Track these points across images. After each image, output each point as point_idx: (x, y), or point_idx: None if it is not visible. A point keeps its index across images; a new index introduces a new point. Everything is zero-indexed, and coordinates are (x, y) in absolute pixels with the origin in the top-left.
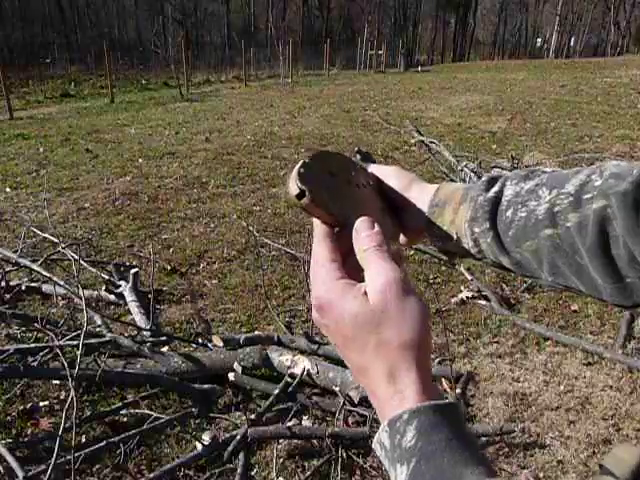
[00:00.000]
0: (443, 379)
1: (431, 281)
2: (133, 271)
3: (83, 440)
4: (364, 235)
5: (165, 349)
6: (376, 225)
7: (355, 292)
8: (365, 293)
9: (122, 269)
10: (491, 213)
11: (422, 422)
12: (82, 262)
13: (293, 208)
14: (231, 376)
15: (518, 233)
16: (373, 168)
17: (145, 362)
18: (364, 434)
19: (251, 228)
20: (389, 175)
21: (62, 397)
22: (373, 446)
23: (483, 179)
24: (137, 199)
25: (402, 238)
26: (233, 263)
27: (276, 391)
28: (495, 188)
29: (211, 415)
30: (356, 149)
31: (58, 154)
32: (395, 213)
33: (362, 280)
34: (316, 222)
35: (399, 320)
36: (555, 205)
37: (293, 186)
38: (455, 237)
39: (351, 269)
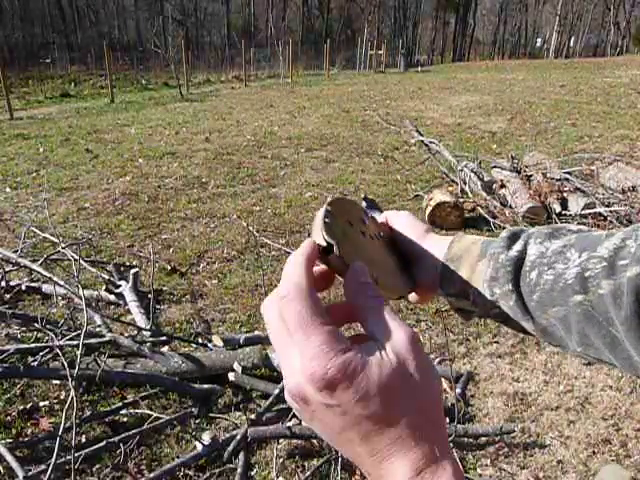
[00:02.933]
0: (443, 379)
1: None
2: (133, 271)
3: (83, 440)
4: (368, 285)
5: (165, 349)
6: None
7: (377, 350)
8: (384, 350)
9: (122, 269)
10: (514, 274)
11: None
12: (82, 262)
13: (293, 208)
14: (231, 376)
15: (544, 297)
16: (385, 216)
17: (145, 362)
18: None
19: (251, 228)
20: (403, 224)
21: (62, 397)
22: None
23: (503, 234)
24: (137, 199)
25: (413, 296)
26: (233, 263)
27: (276, 391)
28: (518, 247)
29: (211, 415)
30: (363, 196)
31: (58, 154)
32: (407, 267)
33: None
34: (298, 256)
35: (427, 383)
36: (587, 270)
37: (319, 238)
38: (472, 297)
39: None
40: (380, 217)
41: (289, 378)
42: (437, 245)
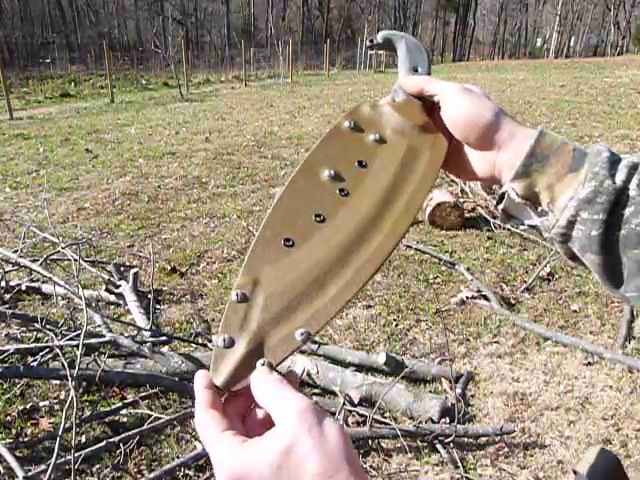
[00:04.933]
0: (443, 379)
1: (431, 281)
2: (133, 271)
3: (83, 440)
4: (258, 378)
5: (165, 349)
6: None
7: (264, 445)
8: (275, 440)
9: (122, 269)
10: (613, 205)
11: None
12: (82, 262)
13: None
14: None
15: (631, 237)
16: (416, 85)
17: (145, 362)
18: (364, 434)
19: (251, 228)
20: (458, 124)
21: (62, 397)
22: None
23: (604, 153)
24: (137, 199)
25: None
26: (233, 263)
27: None
28: (621, 175)
29: None
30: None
31: (58, 154)
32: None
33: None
34: (198, 391)
35: (321, 449)
36: None
37: (215, 379)
38: (547, 208)
39: (258, 425)
40: (409, 84)
41: None
42: (515, 137)
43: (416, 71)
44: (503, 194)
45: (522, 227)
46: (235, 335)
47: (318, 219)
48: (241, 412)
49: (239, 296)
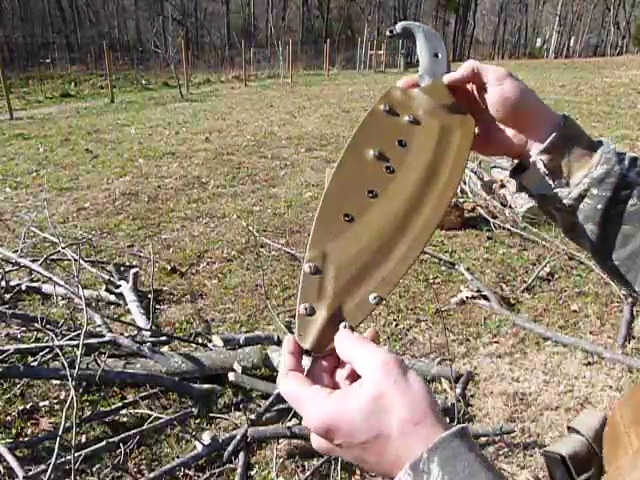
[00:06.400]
0: (443, 379)
1: (431, 281)
2: (133, 271)
3: (83, 440)
4: (342, 338)
5: (165, 349)
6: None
7: (352, 393)
8: (362, 387)
9: (122, 269)
10: (619, 186)
11: (442, 455)
12: (82, 262)
13: (293, 208)
14: (231, 376)
15: (625, 215)
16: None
17: (145, 362)
18: None
19: (251, 228)
20: (497, 100)
21: (62, 397)
22: None
23: (612, 145)
24: (137, 199)
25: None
26: (233, 263)
27: (276, 391)
28: (626, 165)
29: (211, 415)
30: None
31: (58, 154)
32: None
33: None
34: (284, 356)
35: (408, 398)
36: None
37: (301, 343)
38: (563, 180)
39: (345, 383)
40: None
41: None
42: (541, 115)
43: (436, 56)
44: (521, 166)
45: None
46: (314, 303)
47: (371, 195)
48: (328, 373)
49: (312, 268)
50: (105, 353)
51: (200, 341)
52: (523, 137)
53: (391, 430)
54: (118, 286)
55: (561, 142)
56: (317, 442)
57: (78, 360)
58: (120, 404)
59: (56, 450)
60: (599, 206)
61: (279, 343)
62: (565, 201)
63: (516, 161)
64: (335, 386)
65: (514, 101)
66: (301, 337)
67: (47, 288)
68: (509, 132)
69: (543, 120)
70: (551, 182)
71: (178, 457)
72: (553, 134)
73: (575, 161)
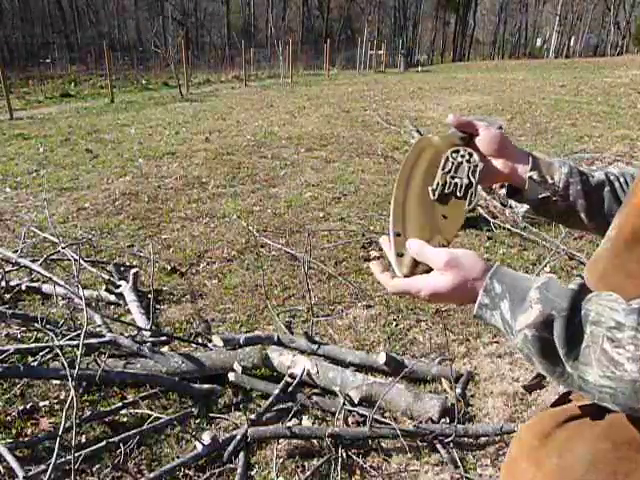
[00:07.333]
0: (443, 379)
1: None
2: (133, 271)
3: (83, 440)
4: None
5: (165, 349)
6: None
7: (438, 265)
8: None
9: (122, 269)
10: (579, 172)
11: (498, 276)
12: (82, 262)
13: (293, 208)
14: (231, 376)
15: (593, 186)
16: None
17: (145, 362)
18: (364, 434)
19: (251, 228)
20: (489, 149)
21: (62, 397)
22: (475, 313)
23: (557, 158)
24: (137, 199)
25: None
26: (233, 263)
27: (276, 391)
28: (571, 168)
29: (211, 415)
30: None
31: (58, 154)
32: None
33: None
34: (379, 278)
35: (471, 261)
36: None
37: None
38: (550, 182)
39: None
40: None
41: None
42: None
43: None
44: (512, 187)
45: (522, 208)
46: (401, 249)
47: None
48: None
49: (394, 233)
50: (105, 353)
51: (200, 341)
52: (510, 163)
53: (472, 276)
54: (118, 286)
55: (536, 161)
56: (442, 281)
57: (78, 360)
58: (120, 404)
59: (56, 450)
60: (578, 187)
61: (279, 343)
62: (559, 192)
63: (506, 184)
64: None
65: (498, 143)
66: (398, 262)
67: (47, 288)
68: (497, 162)
69: (518, 150)
70: (544, 187)
71: (178, 457)
72: (530, 157)
73: (548, 169)
